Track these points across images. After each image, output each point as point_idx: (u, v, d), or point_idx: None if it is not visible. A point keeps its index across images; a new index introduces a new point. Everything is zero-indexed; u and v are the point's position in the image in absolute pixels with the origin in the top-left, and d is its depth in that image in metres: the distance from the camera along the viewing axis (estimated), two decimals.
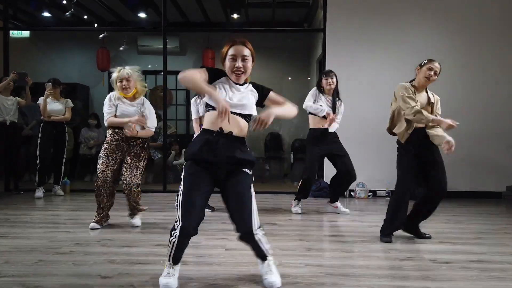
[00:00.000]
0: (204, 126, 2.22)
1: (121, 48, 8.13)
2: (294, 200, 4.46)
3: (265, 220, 4.05)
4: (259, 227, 2.21)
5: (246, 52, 2.21)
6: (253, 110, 2.23)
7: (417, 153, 3.19)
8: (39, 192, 5.27)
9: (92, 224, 3.58)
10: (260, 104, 2.32)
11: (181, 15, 7.58)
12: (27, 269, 2.50)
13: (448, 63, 5.62)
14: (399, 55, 5.68)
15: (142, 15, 7.13)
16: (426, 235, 3.36)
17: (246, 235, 2.18)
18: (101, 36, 7.44)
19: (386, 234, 3.26)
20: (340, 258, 2.83)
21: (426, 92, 3.28)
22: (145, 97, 3.75)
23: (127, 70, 3.52)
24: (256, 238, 2.18)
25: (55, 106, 5.43)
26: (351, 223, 4.05)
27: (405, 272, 2.54)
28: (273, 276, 2.24)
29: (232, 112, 2.10)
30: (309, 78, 8.00)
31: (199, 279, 2.35)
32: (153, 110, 3.69)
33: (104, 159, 3.53)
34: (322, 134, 4.27)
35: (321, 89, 4.34)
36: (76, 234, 3.39)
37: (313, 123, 4.32)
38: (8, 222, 3.85)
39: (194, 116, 4.27)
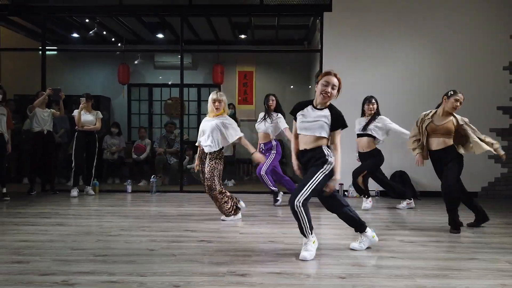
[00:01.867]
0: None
1: (136, 62, 9.01)
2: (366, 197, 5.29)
3: (269, 213, 4.88)
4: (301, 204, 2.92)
5: (336, 83, 2.99)
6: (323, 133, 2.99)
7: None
8: (74, 192, 6.09)
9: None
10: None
11: (193, 33, 8.44)
12: (91, 245, 3.33)
13: (432, 77, 6.46)
14: (388, 72, 6.50)
15: (159, 35, 7.99)
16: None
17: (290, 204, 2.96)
18: (118, 52, 8.31)
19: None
20: (332, 238, 3.63)
21: (454, 116, 4.04)
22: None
23: (221, 94, 4.42)
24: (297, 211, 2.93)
25: (87, 117, 6.26)
26: None
27: (377, 247, 3.34)
28: (303, 252, 3.00)
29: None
30: (309, 87, 8.84)
31: (223, 251, 3.17)
32: (234, 124, 4.37)
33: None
34: None
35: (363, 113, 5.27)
36: (118, 223, 4.20)
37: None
38: (58, 214, 4.67)
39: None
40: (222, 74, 8.86)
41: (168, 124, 7.98)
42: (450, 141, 4.01)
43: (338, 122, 2.99)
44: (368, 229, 3.28)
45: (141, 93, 9.66)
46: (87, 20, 7.91)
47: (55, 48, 8.51)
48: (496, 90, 6.45)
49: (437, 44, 6.49)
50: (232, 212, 4.38)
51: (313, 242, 3.06)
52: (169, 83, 9.39)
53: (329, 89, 2.95)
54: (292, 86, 9.09)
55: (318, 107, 3.05)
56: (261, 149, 5.39)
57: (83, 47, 8.77)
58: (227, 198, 4.34)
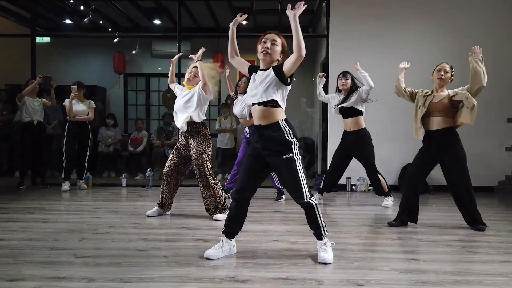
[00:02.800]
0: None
1: (134, 52, 8.59)
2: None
3: (278, 209, 4.51)
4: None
5: (277, 38, 2.59)
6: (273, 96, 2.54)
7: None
8: (65, 186, 5.73)
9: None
10: (284, 81, 2.56)
11: (192, 20, 8.03)
12: (74, 245, 2.96)
13: (446, 60, 6.05)
14: (399, 58, 6.03)
15: (156, 21, 7.59)
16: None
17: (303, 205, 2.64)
18: (115, 40, 7.91)
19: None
20: (339, 237, 3.26)
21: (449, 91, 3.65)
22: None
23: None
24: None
25: (79, 107, 5.89)
26: (351, 212, 4.48)
27: (395, 248, 2.97)
28: (323, 252, 2.60)
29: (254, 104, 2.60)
30: (313, 79, 8.44)
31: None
32: None
33: None
34: None
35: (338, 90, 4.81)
36: (108, 219, 3.84)
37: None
38: (44, 210, 4.32)
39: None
40: (222, 63, 8.44)
41: (166, 115, 7.60)
42: (451, 122, 3.56)
43: (281, 65, 2.56)
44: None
45: (138, 83, 9.26)
46: (82, 8, 7.53)
47: (45, 34, 8.09)
48: None
49: (452, 24, 6.07)
50: (226, 207, 3.90)
51: (331, 245, 2.68)
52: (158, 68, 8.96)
53: (268, 45, 2.58)
54: (295, 79, 8.66)
55: (262, 69, 2.64)
56: None
57: (76, 34, 8.37)
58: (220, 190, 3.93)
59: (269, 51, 2.56)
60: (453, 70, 3.72)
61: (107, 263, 2.53)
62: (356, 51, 6.09)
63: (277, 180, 4.94)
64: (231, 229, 2.73)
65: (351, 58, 6.08)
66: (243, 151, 5.02)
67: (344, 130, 4.77)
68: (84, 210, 4.36)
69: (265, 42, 2.59)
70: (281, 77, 2.55)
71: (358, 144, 4.62)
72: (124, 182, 6.25)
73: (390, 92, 5.87)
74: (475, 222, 3.56)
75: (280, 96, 2.58)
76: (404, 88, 3.92)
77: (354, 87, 4.70)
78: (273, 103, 2.56)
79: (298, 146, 2.62)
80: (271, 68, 2.59)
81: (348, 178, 5.99)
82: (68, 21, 7.72)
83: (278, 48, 2.61)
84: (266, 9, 7.44)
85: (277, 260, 2.65)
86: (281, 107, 2.60)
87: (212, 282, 2.25)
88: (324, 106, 6.43)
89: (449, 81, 3.69)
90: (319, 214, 2.62)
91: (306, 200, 2.58)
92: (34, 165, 6.18)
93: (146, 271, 2.41)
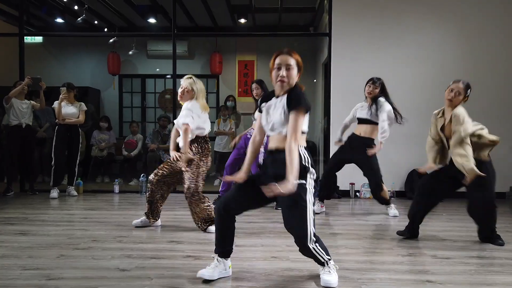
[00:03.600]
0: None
1: (130, 52, 8.31)
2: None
3: (276, 219, 4.21)
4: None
5: (291, 61, 2.25)
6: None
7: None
8: (54, 193, 5.44)
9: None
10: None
11: (189, 19, 7.76)
12: (50, 263, 2.67)
13: (454, 66, 5.78)
14: (403, 58, 5.81)
15: (151, 20, 7.31)
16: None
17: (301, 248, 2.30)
18: (110, 41, 7.63)
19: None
20: (344, 254, 2.96)
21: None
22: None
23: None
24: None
25: (69, 110, 5.61)
26: (356, 222, 4.17)
27: (407, 266, 2.66)
28: (326, 275, 2.31)
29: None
30: (315, 80, 8.15)
31: None
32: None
33: None
34: None
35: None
36: (93, 232, 3.55)
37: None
38: (27, 220, 4.02)
39: None
40: (220, 64, 8.18)
41: (162, 118, 7.32)
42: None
43: (294, 100, 2.19)
44: None
45: (133, 85, 8.97)
46: (76, 7, 7.26)
47: (35, 33, 7.81)
48: None
49: (459, 23, 5.75)
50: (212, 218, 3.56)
51: (335, 267, 2.37)
52: (167, 76, 8.69)
53: (283, 72, 2.22)
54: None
55: (278, 96, 2.30)
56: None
57: (68, 33, 8.09)
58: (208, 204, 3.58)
59: (285, 79, 2.22)
60: (469, 90, 3.25)
61: (81, 287, 2.24)
62: (360, 50, 5.81)
63: None
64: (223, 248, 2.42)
65: (354, 57, 5.81)
66: (235, 154, 4.75)
67: (353, 133, 4.47)
68: (69, 221, 4.07)
69: (279, 69, 2.23)
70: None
71: (363, 150, 4.30)
72: (116, 188, 5.95)
73: (394, 92, 5.59)
74: (493, 237, 3.26)
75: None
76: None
77: (380, 95, 4.33)
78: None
79: (314, 177, 2.25)
80: (286, 96, 2.25)
81: (352, 184, 5.69)
82: (60, 20, 7.44)
83: (294, 71, 2.26)
84: (266, 7, 7.15)
85: (276, 282, 2.35)
86: (303, 133, 2.26)
87: None
88: (326, 109, 6.14)
89: (463, 102, 3.27)
90: (319, 254, 2.27)
91: (307, 245, 2.20)
92: (23, 171, 5.90)
93: None
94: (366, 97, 4.42)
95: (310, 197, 2.19)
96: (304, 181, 2.18)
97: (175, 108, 6.37)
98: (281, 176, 2.09)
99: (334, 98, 5.85)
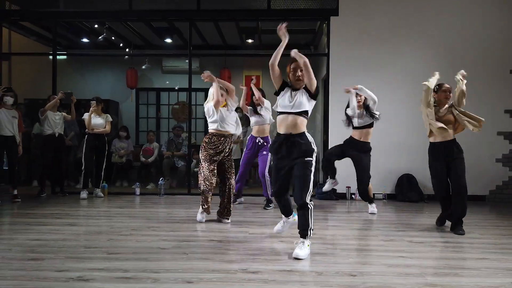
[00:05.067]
0: None
1: (143, 67, 9.09)
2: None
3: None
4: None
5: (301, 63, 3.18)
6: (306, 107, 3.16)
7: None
8: (84, 194, 6.15)
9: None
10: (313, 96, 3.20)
11: (201, 38, 8.53)
12: (104, 244, 3.37)
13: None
14: (395, 76, 6.54)
15: (168, 40, 8.09)
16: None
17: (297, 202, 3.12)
18: (126, 57, 8.40)
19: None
20: (337, 239, 3.66)
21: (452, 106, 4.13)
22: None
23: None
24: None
25: (97, 121, 6.34)
26: (350, 218, 4.86)
27: (386, 247, 3.36)
28: (298, 249, 3.04)
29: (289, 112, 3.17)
30: None
31: (234, 250, 3.21)
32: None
33: None
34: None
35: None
36: (129, 223, 4.25)
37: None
38: (69, 215, 4.73)
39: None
40: (229, 79, 8.91)
41: (176, 127, 8.05)
42: (452, 133, 4.07)
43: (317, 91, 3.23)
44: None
45: (149, 97, 9.76)
46: (96, 26, 8.03)
47: (65, 52, 8.63)
48: (503, 93, 6.45)
49: (444, 49, 6.50)
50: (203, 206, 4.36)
51: (308, 245, 3.09)
52: (176, 87, 9.47)
53: (299, 73, 3.17)
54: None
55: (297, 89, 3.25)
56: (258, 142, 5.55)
57: (92, 51, 8.89)
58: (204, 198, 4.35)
59: (301, 78, 3.18)
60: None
61: (136, 258, 2.94)
62: (355, 69, 6.53)
63: (265, 189, 5.37)
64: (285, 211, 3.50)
65: (350, 75, 6.55)
66: (248, 152, 5.53)
67: (351, 137, 5.23)
68: (105, 216, 4.77)
69: (295, 70, 3.20)
70: (310, 93, 3.20)
71: (360, 151, 5.12)
72: (137, 190, 6.66)
73: (387, 107, 6.31)
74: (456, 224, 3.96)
75: (309, 107, 3.19)
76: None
77: (367, 103, 5.14)
78: (305, 114, 3.15)
79: (316, 155, 3.13)
80: (303, 88, 3.23)
81: (348, 187, 6.38)
82: (85, 40, 8.24)
83: (307, 71, 3.18)
84: (271, 29, 7.93)
85: (282, 256, 3.05)
86: (307, 118, 3.19)
87: (228, 273, 2.65)
88: (325, 116, 6.85)
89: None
90: (311, 217, 3.07)
91: (304, 201, 3.05)
92: (54, 175, 6.61)
93: (170, 264, 2.81)
94: (356, 108, 5.16)
95: (313, 170, 3.11)
96: (311, 159, 3.10)
97: (190, 117, 7.11)
98: (293, 154, 3.10)
99: (332, 111, 6.56)
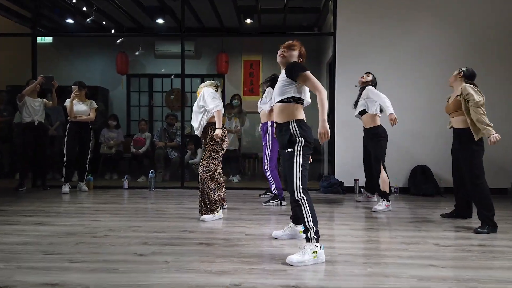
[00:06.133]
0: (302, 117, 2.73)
1: (137, 53, 8.45)
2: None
3: (285, 211, 4.33)
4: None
5: (290, 44, 2.87)
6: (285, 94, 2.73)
7: None
8: (66, 188, 5.59)
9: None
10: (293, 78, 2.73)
11: (196, 20, 7.90)
12: (70, 249, 2.81)
13: (456, 65, 5.86)
14: (407, 58, 5.93)
15: (160, 21, 7.46)
16: None
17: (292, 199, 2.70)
18: (118, 41, 7.77)
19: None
20: (350, 241, 3.09)
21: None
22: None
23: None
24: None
25: (80, 107, 5.76)
26: (359, 215, 4.29)
27: (410, 253, 2.79)
28: (296, 255, 2.53)
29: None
30: (318, 80, 8.27)
31: (226, 257, 2.64)
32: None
33: None
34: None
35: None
36: (107, 222, 3.69)
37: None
38: (43, 212, 4.17)
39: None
40: (226, 64, 8.33)
41: (169, 116, 7.47)
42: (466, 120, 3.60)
43: (292, 71, 2.71)
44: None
45: (141, 84, 9.14)
46: (84, 9, 7.41)
47: (47, 33, 7.97)
48: None
49: (459, 23, 5.88)
50: (215, 208, 3.85)
51: (313, 252, 2.51)
52: (172, 76, 8.84)
53: (284, 49, 2.87)
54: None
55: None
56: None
57: (78, 33, 8.25)
58: (213, 189, 3.88)
59: (284, 54, 2.85)
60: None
61: (103, 269, 2.38)
62: (364, 50, 5.94)
63: (279, 181, 4.79)
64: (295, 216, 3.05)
65: (358, 57, 5.94)
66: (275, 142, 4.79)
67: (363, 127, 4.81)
68: (84, 213, 4.21)
69: (280, 50, 2.88)
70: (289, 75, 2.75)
71: (369, 139, 4.67)
72: (126, 184, 6.10)
73: (398, 92, 5.72)
74: (488, 224, 3.45)
75: (294, 92, 2.73)
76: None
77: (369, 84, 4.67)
78: (290, 99, 2.72)
79: (303, 144, 2.64)
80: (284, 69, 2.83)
81: (356, 180, 5.81)
82: (70, 21, 7.60)
83: (295, 52, 2.86)
84: (271, 8, 7.29)
85: (285, 266, 2.48)
86: (296, 101, 2.72)
87: None
88: (331, 105, 6.27)
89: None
90: (307, 214, 2.58)
91: (295, 197, 2.60)
92: (35, 167, 6.06)
93: (145, 277, 2.25)
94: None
95: (297, 159, 2.62)
96: (291, 149, 2.64)
97: (183, 107, 6.53)
98: (281, 143, 2.74)
99: (339, 96, 5.98)
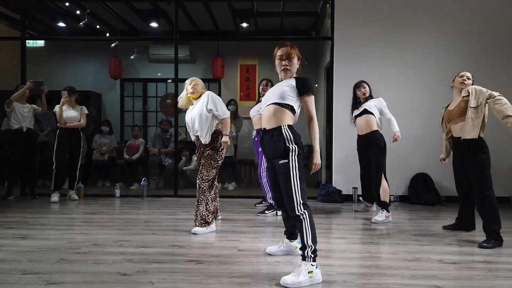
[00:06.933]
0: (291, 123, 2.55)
1: (132, 57, 8.28)
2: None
3: (280, 223, 4.15)
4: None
5: (290, 51, 2.64)
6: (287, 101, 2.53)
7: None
8: (55, 197, 5.40)
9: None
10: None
11: (191, 24, 7.75)
12: (50, 267, 2.62)
13: (455, 71, 5.73)
14: (406, 62, 5.79)
15: (153, 24, 7.31)
16: None
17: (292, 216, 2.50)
18: (112, 45, 7.61)
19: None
20: (349, 258, 2.91)
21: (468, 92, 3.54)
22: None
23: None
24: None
25: (70, 113, 5.58)
26: (360, 226, 4.12)
27: (413, 271, 2.62)
28: (290, 276, 2.35)
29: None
30: (316, 85, 8.12)
31: (215, 277, 2.46)
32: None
33: None
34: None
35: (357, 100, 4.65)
36: (94, 236, 3.50)
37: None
38: (27, 224, 3.98)
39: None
40: (222, 68, 8.17)
41: (163, 122, 7.29)
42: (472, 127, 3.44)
43: (304, 86, 2.55)
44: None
45: (135, 89, 8.96)
46: (77, 12, 7.24)
47: (37, 36, 7.79)
48: None
49: (458, 28, 5.75)
50: (210, 220, 3.68)
51: (309, 272, 2.34)
52: (169, 80, 8.67)
53: (285, 62, 2.62)
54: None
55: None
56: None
57: (70, 37, 8.08)
58: (211, 199, 3.70)
59: (288, 67, 2.63)
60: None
61: None
62: (363, 54, 5.80)
63: (266, 192, 4.61)
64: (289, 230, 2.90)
65: (357, 61, 5.79)
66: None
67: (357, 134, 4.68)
68: (70, 225, 4.02)
69: (281, 59, 2.64)
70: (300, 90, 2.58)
71: (370, 146, 4.49)
72: (117, 192, 5.92)
73: (397, 97, 5.58)
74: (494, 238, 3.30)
75: (294, 103, 2.57)
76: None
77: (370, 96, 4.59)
78: (287, 106, 2.54)
79: (297, 154, 2.46)
80: (294, 78, 2.63)
81: (355, 188, 5.64)
82: (62, 25, 7.44)
83: (295, 60, 2.67)
84: (268, 11, 7.14)
85: (278, 287, 2.30)
86: (292, 111, 2.55)
87: None
88: (329, 111, 6.11)
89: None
90: (306, 230, 2.40)
91: (296, 213, 2.42)
92: (24, 175, 5.88)
93: None
94: (359, 100, 4.63)
95: (294, 171, 2.42)
96: (286, 161, 2.44)
97: (177, 113, 6.35)
98: (270, 155, 2.56)
99: (337, 102, 5.82)
